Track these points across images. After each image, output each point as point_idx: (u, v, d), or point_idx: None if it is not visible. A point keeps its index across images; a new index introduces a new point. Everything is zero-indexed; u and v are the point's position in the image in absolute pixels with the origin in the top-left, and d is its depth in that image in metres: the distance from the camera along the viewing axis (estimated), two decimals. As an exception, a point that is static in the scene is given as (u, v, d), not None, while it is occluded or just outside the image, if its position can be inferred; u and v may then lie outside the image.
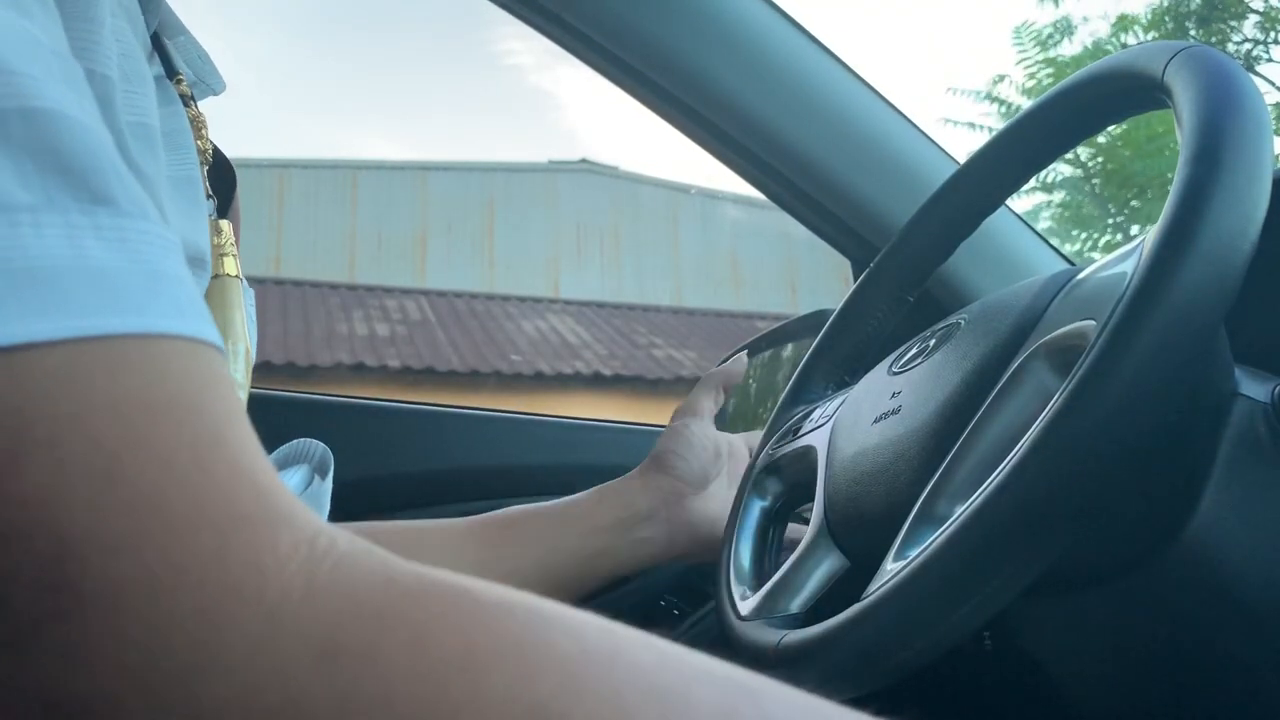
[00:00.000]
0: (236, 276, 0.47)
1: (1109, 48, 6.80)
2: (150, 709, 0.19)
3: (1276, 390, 0.46)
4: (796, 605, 0.56)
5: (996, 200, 0.65)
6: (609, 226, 10.50)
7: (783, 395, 0.73)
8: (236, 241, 0.49)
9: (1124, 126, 6.26)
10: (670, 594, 0.95)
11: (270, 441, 0.25)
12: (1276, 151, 0.44)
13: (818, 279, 10.04)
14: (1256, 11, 6.88)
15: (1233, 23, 6.92)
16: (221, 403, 0.23)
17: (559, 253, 10.33)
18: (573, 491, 1.01)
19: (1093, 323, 0.40)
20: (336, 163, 10.07)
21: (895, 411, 0.54)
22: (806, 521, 0.59)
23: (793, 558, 0.58)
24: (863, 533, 0.54)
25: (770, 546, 0.65)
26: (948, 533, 0.40)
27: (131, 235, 0.23)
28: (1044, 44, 6.85)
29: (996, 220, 0.73)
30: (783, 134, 0.94)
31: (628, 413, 7.51)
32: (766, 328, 1.26)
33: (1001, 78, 7.02)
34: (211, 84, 0.52)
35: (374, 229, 9.80)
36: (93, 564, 0.19)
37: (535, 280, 10.08)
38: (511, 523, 0.69)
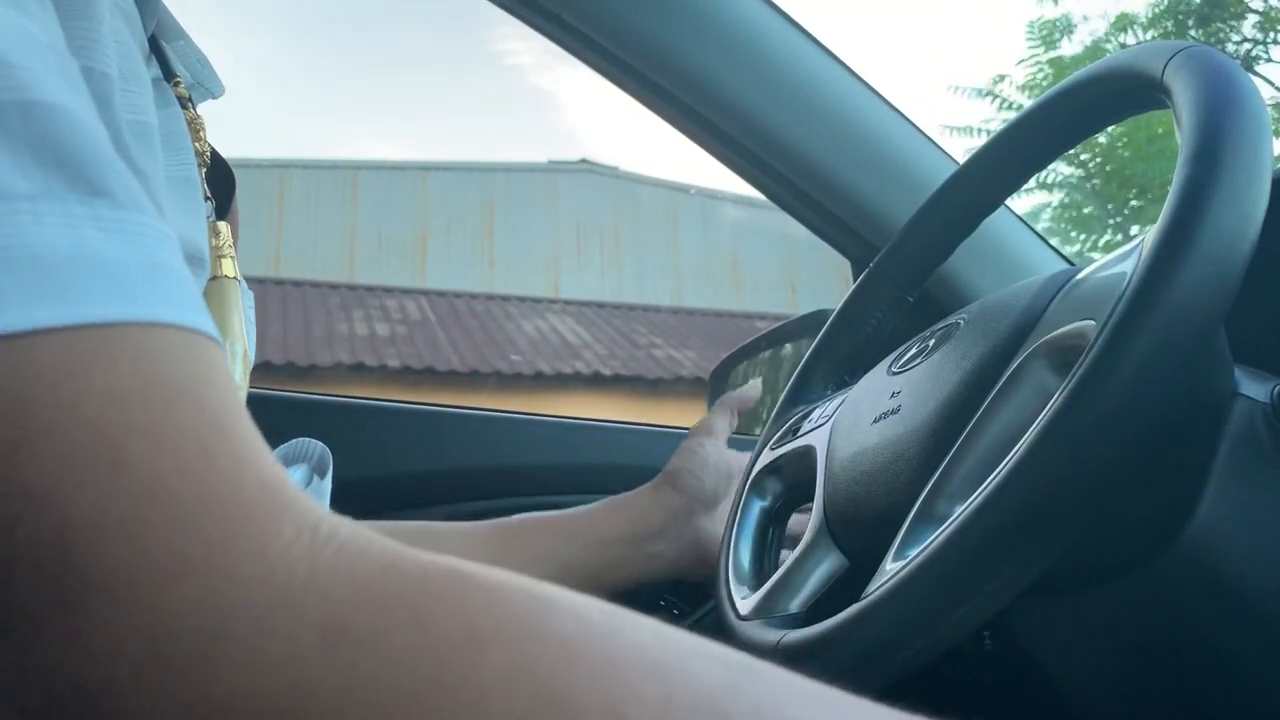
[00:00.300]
0: (235, 278, 0.47)
1: (1108, 48, 6.80)
2: (155, 695, 0.19)
3: (1276, 390, 0.46)
4: (796, 605, 0.56)
5: (996, 200, 0.65)
6: (609, 226, 10.50)
7: (783, 395, 0.73)
8: (235, 243, 0.49)
9: (1124, 126, 6.26)
10: (670, 594, 0.95)
11: (270, 441, 0.25)
12: (1276, 151, 0.44)
13: (818, 279, 10.04)
14: (1256, 11, 6.88)
15: (1233, 23, 6.93)
16: (221, 392, 0.23)
17: (559, 253, 10.33)
18: (572, 491, 1.01)
19: (1092, 323, 0.40)
20: (336, 163, 10.07)
21: (895, 411, 0.54)
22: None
23: (792, 557, 0.58)
24: (862, 532, 0.54)
25: (770, 546, 0.65)
26: (947, 532, 0.40)
27: (129, 227, 0.23)
28: (1046, 42, 6.86)
29: (996, 220, 0.73)
30: (783, 134, 0.94)
31: (628, 413, 7.51)
32: (766, 328, 1.26)
33: (1002, 77, 7.03)
34: (210, 87, 0.53)
35: (374, 229, 9.80)
36: (96, 552, 0.19)
37: (535, 280, 10.09)
38: (523, 530, 0.70)
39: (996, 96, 6.88)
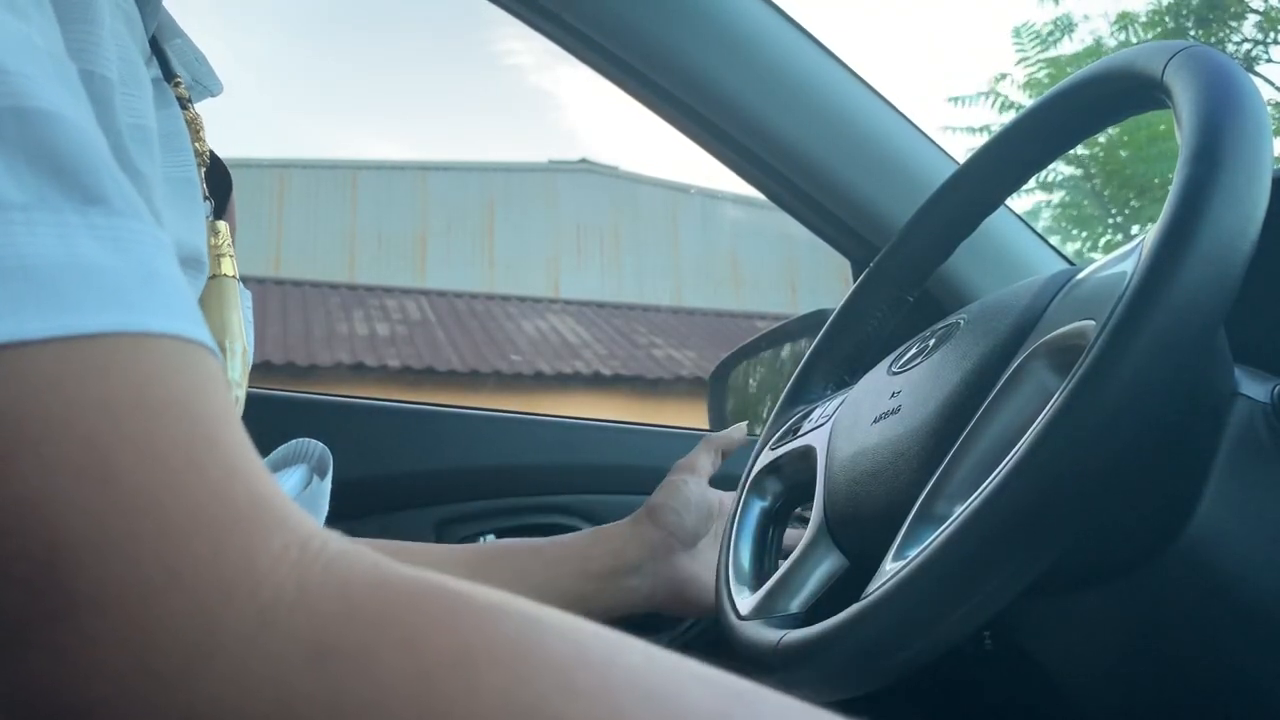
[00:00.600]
0: (234, 277, 0.47)
1: (1106, 49, 6.80)
2: (142, 710, 0.19)
3: (1276, 390, 0.46)
4: (796, 605, 0.56)
5: (996, 200, 0.65)
6: (609, 226, 10.50)
7: (782, 395, 0.73)
8: (233, 243, 0.49)
9: (1124, 126, 6.26)
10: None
11: (269, 441, 0.25)
12: (1276, 151, 0.44)
13: (818, 279, 10.04)
14: (1256, 11, 6.88)
15: (1233, 23, 6.92)
16: (215, 403, 0.23)
17: (559, 253, 10.33)
18: (572, 491, 1.01)
19: (1092, 323, 0.40)
20: (336, 163, 10.07)
21: (895, 411, 0.54)
22: (806, 522, 0.59)
23: (792, 557, 0.58)
24: (862, 533, 0.54)
25: (770, 546, 0.65)
26: (947, 533, 0.40)
27: (124, 235, 0.23)
28: (1044, 42, 6.86)
29: (996, 220, 0.73)
30: (783, 134, 0.94)
31: (628, 413, 7.52)
32: (766, 328, 1.26)
33: (1003, 76, 7.03)
34: (209, 86, 0.52)
35: (374, 229, 9.80)
36: (85, 566, 0.19)
37: (535, 280, 10.09)
38: (502, 555, 0.70)
39: (998, 95, 6.88)
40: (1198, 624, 0.47)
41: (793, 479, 0.66)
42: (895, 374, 0.57)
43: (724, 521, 0.75)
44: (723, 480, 0.77)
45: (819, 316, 1.08)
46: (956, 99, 6.96)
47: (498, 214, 10.20)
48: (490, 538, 0.99)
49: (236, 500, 0.21)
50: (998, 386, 0.46)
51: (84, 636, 0.19)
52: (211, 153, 0.50)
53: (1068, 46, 6.92)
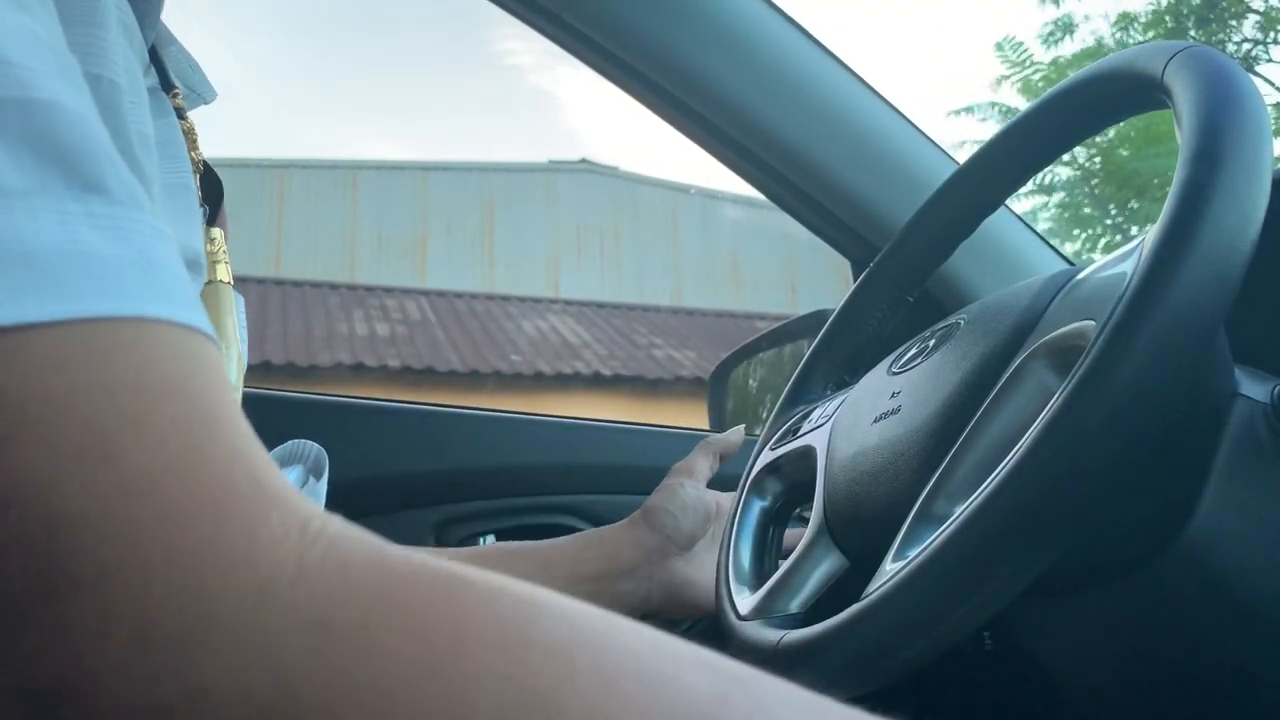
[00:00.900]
0: (228, 283, 0.47)
1: (1107, 49, 6.81)
2: (138, 685, 0.19)
3: (1276, 390, 0.46)
4: (796, 605, 0.56)
5: (996, 200, 0.65)
6: (609, 226, 10.50)
7: (783, 395, 0.73)
8: (226, 249, 0.49)
9: (1122, 127, 6.26)
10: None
11: (268, 442, 0.25)
12: (1276, 151, 0.44)
13: (818, 279, 10.04)
14: (1256, 11, 6.88)
15: (1233, 23, 6.93)
16: (214, 388, 0.23)
17: (559, 253, 10.33)
18: (572, 491, 1.01)
19: (1092, 323, 0.40)
20: (336, 163, 10.07)
21: (895, 411, 0.54)
22: (806, 522, 0.59)
23: (792, 557, 0.58)
24: (862, 533, 0.54)
25: (770, 546, 0.65)
26: (947, 533, 0.40)
27: (124, 224, 0.23)
28: (1023, 62, 6.88)
29: (996, 220, 0.73)
30: (783, 134, 0.94)
31: (628, 413, 7.52)
32: (766, 328, 1.26)
33: (1005, 77, 7.04)
34: (202, 93, 0.53)
35: (374, 229, 9.80)
36: (85, 544, 0.19)
37: (535, 280, 10.09)
38: (495, 560, 0.70)
39: (996, 106, 6.90)
40: (1198, 624, 0.47)
41: (793, 479, 0.66)
42: (895, 374, 0.57)
43: (721, 524, 0.75)
44: (722, 481, 0.77)
45: (819, 316, 1.09)
46: (956, 111, 6.98)
47: (498, 214, 10.20)
48: (490, 538, 0.99)
49: (236, 481, 0.22)
50: (998, 387, 0.46)
51: (82, 610, 0.19)
52: (205, 162, 0.50)
53: (1068, 47, 6.93)
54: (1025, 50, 6.87)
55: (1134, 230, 6.98)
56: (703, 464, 0.77)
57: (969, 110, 7.02)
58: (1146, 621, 0.49)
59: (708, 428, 1.28)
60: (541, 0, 0.88)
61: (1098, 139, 6.46)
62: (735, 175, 1.01)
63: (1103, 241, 7.12)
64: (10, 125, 0.22)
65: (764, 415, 1.16)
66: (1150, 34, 6.80)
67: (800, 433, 0.66)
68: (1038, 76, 6.79)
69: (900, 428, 0.52)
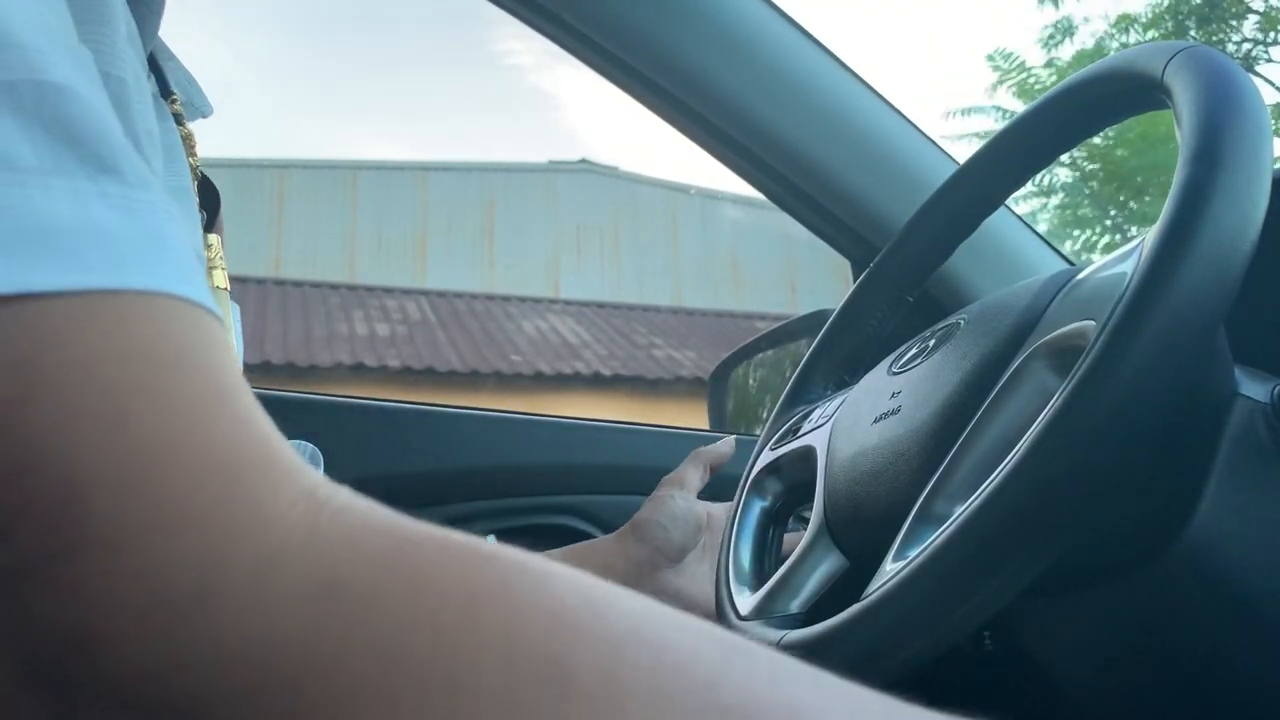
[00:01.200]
0: (225, 289, 0.48)
1: (1107, 50, 6.81)
2: (152, 645, 0.20)
3: (1276, 390, 0.46)
4: (796, 605, 0.56)
5: (996, 200, 0.65)
6: (609, 226, 10.50)
7: (783, 395, 0.73)
8: (223, 255, 0.50)
9: (1122, 127, 6.26)
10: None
11: (269, 441, 0.25)
12: (1276, 152, 0.44)
13: (818, 279, 10.04)
14: (1256, 11, 6.88)
15: (1233, 23, 6.93)
16: (223, 361, 0.24)
17: (559, 253, 10.33)
18: (571, 491, 1.01)
19: (1092, 323, 0.40)
20: (336, 163, 10.07)
21: (895, 411, 0.54)
22: (806, 522, 0.59)
23: (792, 558, 0.58)
24: (862, 533, 0.54)
25: (770, 546, 0.65)
26: (947, 533, 0.40)
27: (136, 203, 0.24)
28: (1017, 69, 6.89)
29: (996, 220, 0.73)
30: (783, 134, 0.95)
31: (628, 413, 7.52)
32: (766, 328, 1.26)
33: (999, 84, 7.04)
34: (200, 106, 0.54)
35: (374, 229, 9.80)
36: (98, 504, 0.20)
37: (535, 280, 10.08)
38: None
39: (995, 109, 6.90)
40: (1198, 624, 0.47)
41: (793, 479, 0.66)
42: (895, 374, 0.57)
43: (712, 536, 0.75)
44: (721, 483, 0.77)
45: (819, 316, 1.09)
46: (951, 112, 6.99)
47: (498, 214, 10.20)
48: (490, 538, 0.99)
49: (245, 448, 0.22)
50: (998, 387, 0.46)
51: (96, 571, 0.20)
52: (202, 171, 0.51)
53: (1068, 50, 6.94)
54: (1016, 59, 6.89)
55: (1133, 230, 6.98)
56: (693, 475, 0.76)
57: (968, 112, 7.03)
58: (1147, 621, 0.49)
59: (708, 428, 1.28)
60: (541, 0, 0.88)
61: (1097, 139, 6.47)
62: (735, 175, 1.02)
63: (1102, 242, 7.13)
64: (25, 105, 0.23)
65: (764, 415, 1.16)
66: (1150, 34, 6.80)
67: (800, 433, 0.66)
68: (1033, 81, 6.80)
69: (900, 428, 0.52)
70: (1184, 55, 0.44)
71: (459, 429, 1.04)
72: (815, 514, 0.58)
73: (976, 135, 6.85)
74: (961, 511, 0.40)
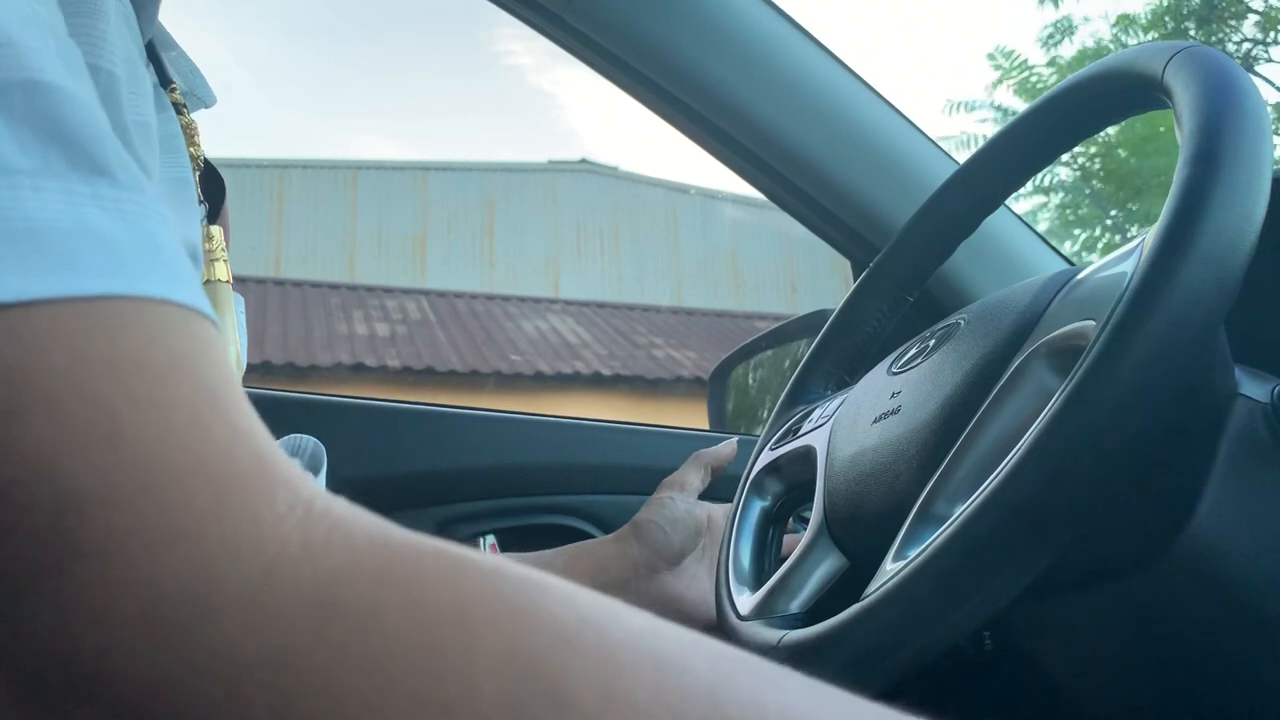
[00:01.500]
0: (227, 282, 0.47)
1: (1107, 50, 6.81)
2: (145, 661, 0.19)
3: (1276, 390, 0.46)
4: (796, 605, 0.56)
5: (996, 200, 0.65)
6: (609, 226, 10.50)
7: (783, 395, 0.73)
8: (226, 247, 0.49)
9: (1122, 127, 6.26)
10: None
11: (268, 442, 0.25)
12: (1276, 152, 0.44)
13: (818, 279, 10.05)
14: (1256, 11, 6.88)
15: (1233, 23, 6.93)
16: (217, 368, 0.23)
17: (559, 253, 10.33)
18: (571, 491, 1.01)
19: (1093, 323, 0.40)
20: (336, 163, 10.07)
21: (895, 411, 0.54)
22: (806, 523, 0.59)
23: (792, 558, 0.58)
24: (862, 533, 0.54)
25: (770, 546, 0.65)
26: (947, 533, 0.40)
27: (128, 207, 0.23)
28: (1018, 66, 6.89)
29: (996, 220, 0.73)
30: (783, 134, 0.95)
31: (628, 413, 7.51)
32: (766, 328, 1.26)
33: (999, 82, 7.04)
34: (202, 97, 0.53)
35: (374, 229, 9.80)
36: (90, 518, 0.19)
37: (535, 280, 10.08)
38: None
39: (996, 108, 6.90)
40: (1198, 624, 0.47)
41: (793, 479, 0.66)
42: (895, 374, 0.57)
43: (711, 538, 0.75)
44: (721, 483, 0.77)
45: (819, 316, 1.09)
46: (951, 105, 6.98)
47: (498, 214, 10.19)
48: (490, 538, 0.99)
49: (240, 458, 0.22)
50: (998, 387, 0.46)
51: (90, 586, 0.19)
52: (205, 159, 0.50)
53: (1068, 50, 6.94)
54: (1018, 57, 6.88)
55: (1133, 230, 6.98)
56: (693, 477, 0.76)
57: (968, 107, 7.02)
58: (1147, 621, 0.49)
59: (708, 428, 1.28)
60: (541, 0, 0.88)
61: (1097, 139, 6.47)
62: (735, 175, 1.01)
63: (1102, 242, 7.13)
64: (15, 106, 0.22)
65: (764, 415, 1.16)
66: (1150, 35, 6.80)
67: (800, 433, 0.66)
68: (1034, 80, 6.80)
69: (900, 428, 0.52)
70: (1184, 55, 0.44)
71: (459, 429, 1.04)
72: (815, 514, 0.58)
73: (976, 136, 6.84)
74: (961, 512, 0.40)
